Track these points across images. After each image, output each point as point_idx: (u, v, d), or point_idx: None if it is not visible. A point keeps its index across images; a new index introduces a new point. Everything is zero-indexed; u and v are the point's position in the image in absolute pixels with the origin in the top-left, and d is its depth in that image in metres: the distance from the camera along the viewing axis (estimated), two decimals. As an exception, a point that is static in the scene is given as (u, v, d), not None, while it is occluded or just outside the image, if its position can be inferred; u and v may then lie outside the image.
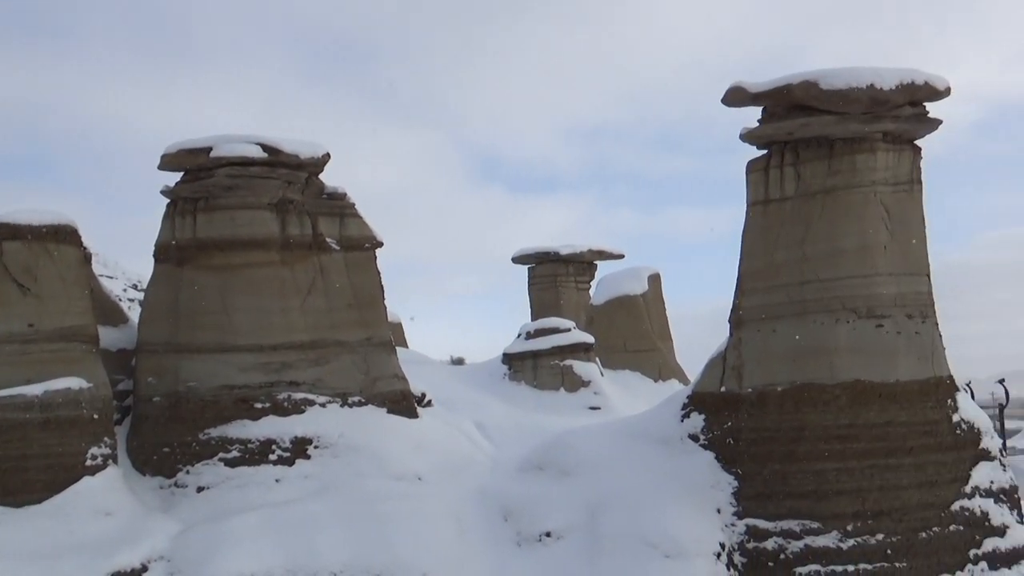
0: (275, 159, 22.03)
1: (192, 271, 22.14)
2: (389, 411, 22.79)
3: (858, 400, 19.02)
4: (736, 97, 20.18)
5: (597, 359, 34.31)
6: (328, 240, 23.15)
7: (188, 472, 20.59)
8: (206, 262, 22.09)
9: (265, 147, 21.90)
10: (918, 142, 20.49)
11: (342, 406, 22.22)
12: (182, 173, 22.43)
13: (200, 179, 22.00)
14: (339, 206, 23.55)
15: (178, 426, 21.18)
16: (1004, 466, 20.08)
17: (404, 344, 38.85)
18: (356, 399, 22.49)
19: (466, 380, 33.07)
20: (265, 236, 22.20)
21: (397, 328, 38.23)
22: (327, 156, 23.00)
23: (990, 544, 18.80)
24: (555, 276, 46.13)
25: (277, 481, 20.40)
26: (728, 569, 18.17)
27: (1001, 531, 19.05)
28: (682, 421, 20.92)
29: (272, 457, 20.74)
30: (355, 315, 23.17)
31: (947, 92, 19.68)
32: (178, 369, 21.71)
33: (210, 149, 21.72)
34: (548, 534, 19.07)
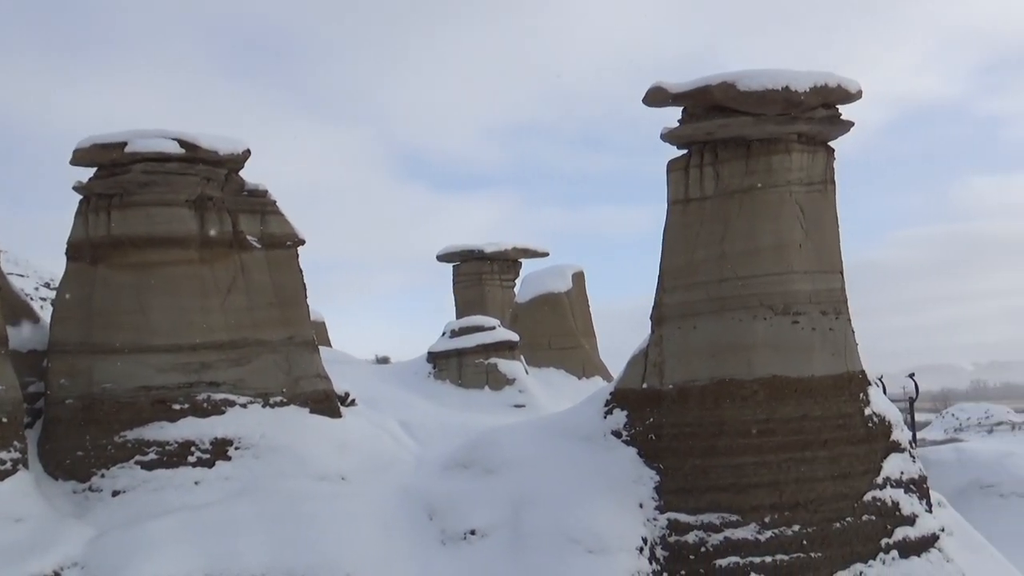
0: (193, 155, 21.61)
1: (107, 269, 21.61)
2: (312, 411, 22.56)
3: (775, 395, 19.50)
4: (656, 97, 20.49)
5: (522, 357, 34.47)
6: (249, 238, 22.81)
7: (103, 476, 20.08)
8: (121, 260, 21.58)
9: (182, 143, 21.47)
10: (831, 143, 21.09)
11: (264, 406, 21.92)
12: (95, 169, 21.85)
13: (115, 175, 21.47)
14: (260, 203, 23.22)
15: (92, 429, 20.64)
16: (913, 457, 20.80)
17: (327, 343, 38.50)
18: (278, 399, 22.22)
19: (390, 379, 32.93)
20: (183, 234, 21.79)
21: (320, 327, 37.84)
22: (247, 152, 22.66)
23: (901, 533, 19.46)
24: (480, 274, 46.18)
25: (196, 483, 20.03)
26: (650, 563, 18.45)
27: (911, 520, 19.73)
28: (605, 418, 21.16)
29: (191, 459, 20.36)
30: (277, 314, 22.88)
31: (859, 95, 20.29)
32: (92, 370, 21.16)
33: (125, 144, 21.21)
34: (473, 532, 19.12)
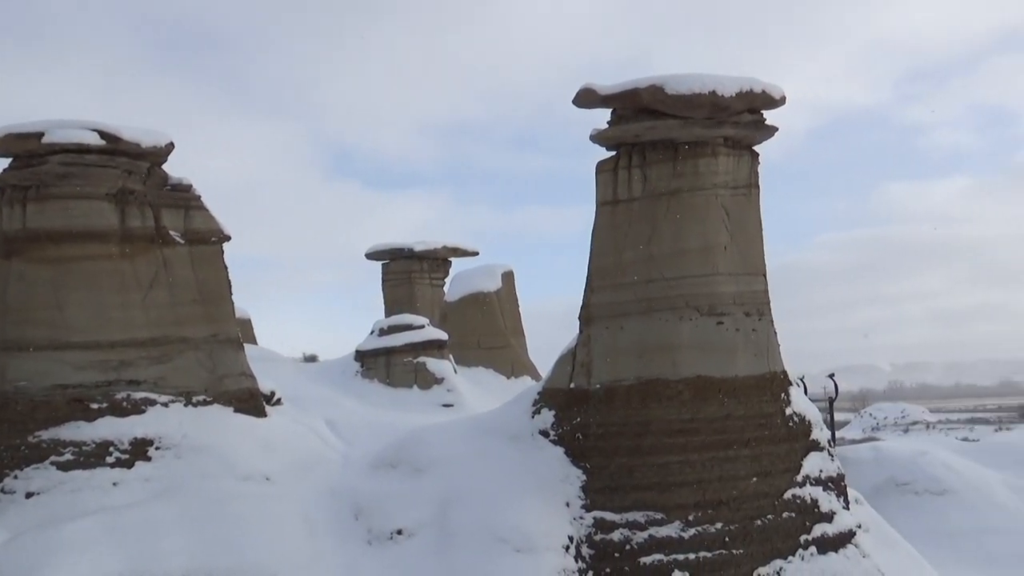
0: (114, 147, 21.14)
1: (22, 264, 20.99)
2: (236, 410, 22.25)
3: (700, 395, 19.83)
4: (586, 99, 20.67)
5: (451, 356, 34.43)
6: (172, 233, 22.40)
7: (16, 477, 19.49)
8: (37, 254, 20.98)
9: (103, 134, 20.99)
10: (756, 148, 21.52)
11: (186, 405, 21.56)
12: (11, 160, 21.24)
13: (31, 166, 20.88)
14: (184, 198, 22.81)
15: (5, 428, 20.02)
16: (832, 456, 21.35)
17: (253, 341, 37.88)
18: (201, 398, 21.86)
19: (318, 378, 32.60)
20: (103, 228, 21.28)
21: (246, 324, 37.26)
22: (171, 145, 22.25)
23: (819, 530, 19.95)
24: (409, 273, 45.98)
25: (115, 485, 19.56)
26: (576, 561, 18.59)
27: (829, 517, 20.25)
28: (533, 417, 21.28)
29: (109, 460, 19.89)
30: (200, 311, 22.52)
31: (783, 101, 20.74)
32: (5, 368, 20.53)
33: (42, 134, 20.64)
34: (399, 532, 19.05)
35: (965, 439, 43.34)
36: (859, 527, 20.89)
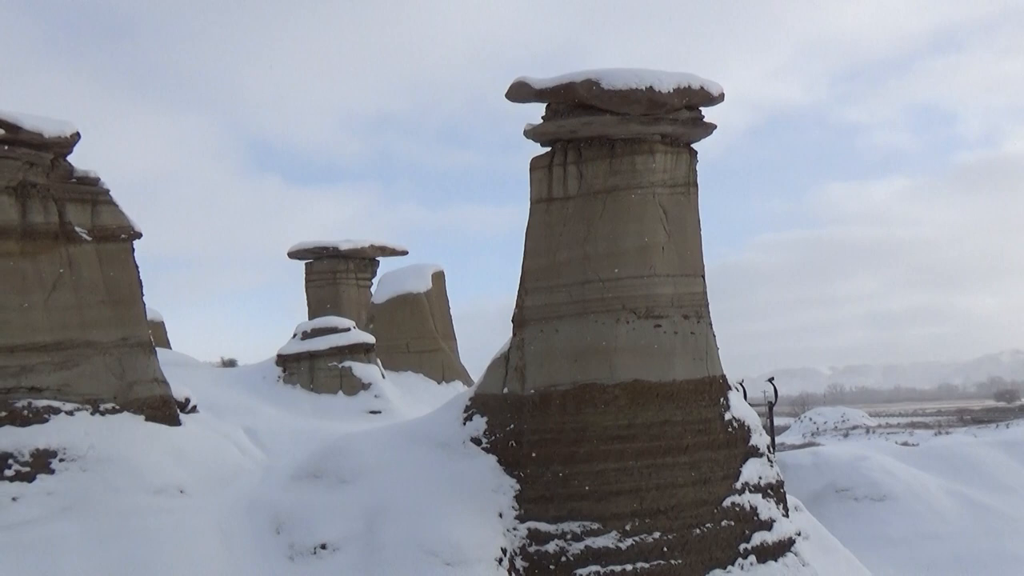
0: (14, 137, 20.54)
1: (-88, 262, 20.26)
2: (147, 418, 21.83)
3: (637, 400, 20.02)
4: (520, 92, 20.72)
5: (378, 360, 34.27)
6: (78, 229, 21.87)
7: (-95, 493, 18.82)
8: (-71, 252, 20.29)
9: (2, 123, 20.40)
10: (694, 145, 21.82)
11: (93, 414, 21.08)
12: (-100, 150, 20.49)
13: (-78, 157, 20.18)
14: (91, 192, 22.30)
15: None
16: (772, 462, 21.74)
17: (166, 345, 37.28)
18: (109, 406, 21.40)
19: (236, 384, 32.21)
20: (2, 223, 20.69)
21: (158, 327, 36.60)
22: (76, 135, 21.71)
23: (759, 538, 20.30)
24: (334, 273, 45.67)
25: (14, 500, 19.01)
26: (510, 574, 18.62)
27: (768, 525, 20.60)
28: (464, 424, 21.26)
29: (8, 473, 19.32)
30: (109, 313, 22.04)
31: (721, 97, 21.06)
32: None
33: (-65, 124, 19.98)
34: (323, 546, 18.87)
35: (905, 443, 44.56)
36: (799, 534, 21.30)
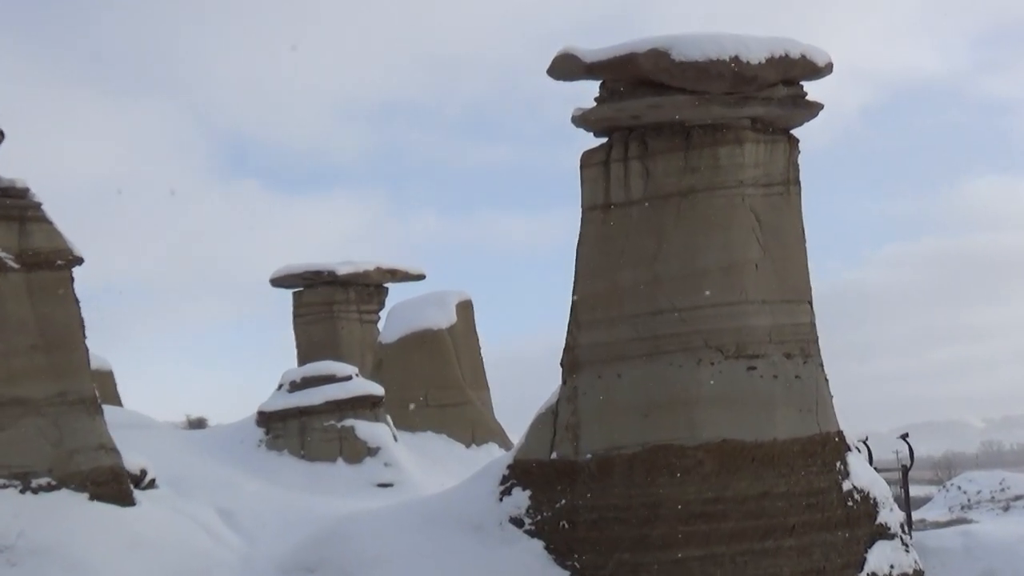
0: (-77, 140, 21.05)
1: None
2: (93, 497, 22.12)
3: (726, 466, 19.92)
4: (566, 67, 20.84)
5: (388, 417, 34.38)
6: (2, 255, 22.30)
7: None
8: None
9: (-93, 123, 20.91)
10: (795, 132, 21.80)
11: (23, 492, 21.41)
12: None
13: None
14: (18, 207, 22.73)
15: None
16: (907, 546, 21.51)
17: (116, 401, 37.68)
18: (44, 481, 21.72)
19: (207, 450, 32.41)
20: (-93, 250, 21.16)
21: (105, 378, 37.04)
22: None
23: (889, 646, 20.08)
24: (330, 304, 45.94)
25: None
26: None
27: (903, 628, 20.38)
28: (501, 500, 21.33)
29: (-84, 569, 19.68)
30: (42, 361, 22.41)
31: (828, 68, 21.03)
32: None
33: None
34: (319, 661, 18.96)
35: (1085, 519, 43.78)
36: (943, 641, 21.04)
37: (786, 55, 20.35)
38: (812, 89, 21.35)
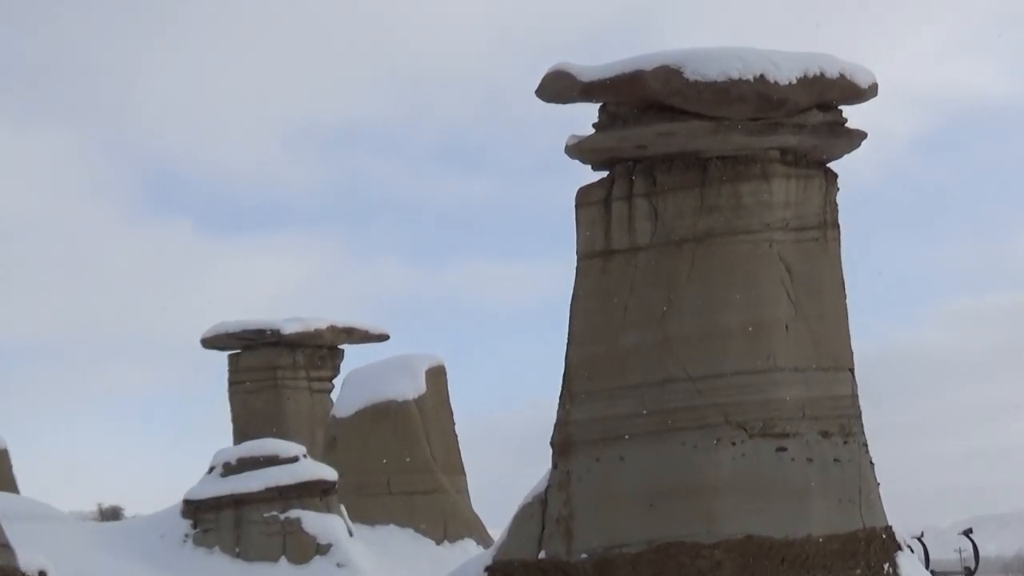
0: None
1: None
2: (-20, 606, 22.01)
3: (750, 568, 19.86)
4: (559, 87, 20.92)
5: (343, 508, 34.29)
6: None
7: None
8: None
9: None
10: (833, 165, 21.90)
11: None
12: None
13: None
14: None
15: None
16: (968, 665, 21.46)
17: (12, 488, 37.60)
18: (-79, 586, 21.58)
19: (122, 546, 32.33)
20: None
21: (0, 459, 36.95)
22: None
23: None
24: (273, 369, 45.97)
25: None
26: None
27: None
28: (478, 609, 21.20)
29: None
30: (-78, 439, 22.35)
31: (873, 90, 21.15)
32: None
33: None
34: None
35: None
36: None
37: (822, 74, 20.43)
38: (853, 115, 21.51)
